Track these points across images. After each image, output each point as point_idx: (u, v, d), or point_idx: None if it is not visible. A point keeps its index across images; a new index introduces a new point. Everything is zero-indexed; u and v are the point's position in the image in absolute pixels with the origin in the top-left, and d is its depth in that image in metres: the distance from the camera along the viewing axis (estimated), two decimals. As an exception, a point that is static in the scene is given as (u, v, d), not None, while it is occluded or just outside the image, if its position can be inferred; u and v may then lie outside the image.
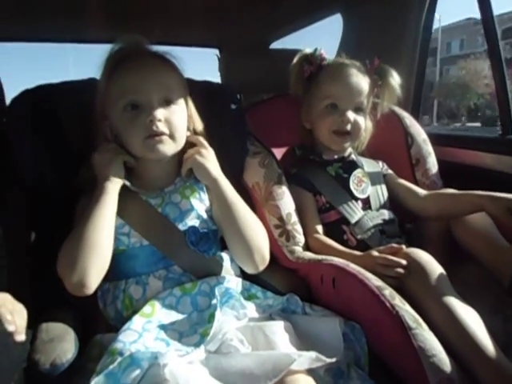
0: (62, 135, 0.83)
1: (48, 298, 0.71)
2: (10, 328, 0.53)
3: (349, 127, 0.98)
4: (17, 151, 0.81)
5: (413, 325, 0.62)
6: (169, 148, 0.78)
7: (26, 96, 0.84)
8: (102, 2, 1.33)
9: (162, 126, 0.75)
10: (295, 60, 1.05)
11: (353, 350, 0.68)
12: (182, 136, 0.80)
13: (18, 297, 0.61)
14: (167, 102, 0.77)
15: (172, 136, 0.77)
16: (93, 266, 0.69)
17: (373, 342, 0.68)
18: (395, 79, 1.02)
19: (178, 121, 0.78)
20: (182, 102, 0.80)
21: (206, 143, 0.82)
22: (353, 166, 1.03)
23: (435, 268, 0.73)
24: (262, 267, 0.80)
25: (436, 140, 1.13)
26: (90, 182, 0.79)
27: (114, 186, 0.75)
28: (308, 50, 1.05)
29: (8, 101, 0.87)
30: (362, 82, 0.99)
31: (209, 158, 0.81)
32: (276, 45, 1.82)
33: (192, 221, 0.82)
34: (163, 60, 0.81)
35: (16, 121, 0.83)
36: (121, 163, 0.78)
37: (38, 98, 0.85)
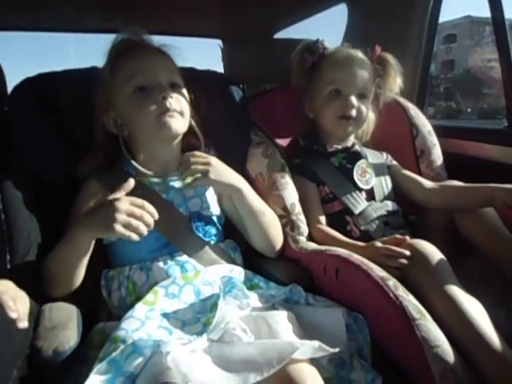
0: (63, 123, 0.83)
1: None
2: (13, 315, 0.53)
3: (353, 112, 0.97)
4: (18, 140, 0.81)
5: (416, 315, 0.62)
6: (180, 124, 0.79)
7: (28, 84, 0.84)
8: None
9: (174, 103, 0.77)
10: (296, 50, 1.05)
11: (356, 340, 0.68)
12: (187, 116, 0.82)
13: (21, 284, 0.61)
14: (173, 85, 0.80)
15: (182, 113, 0.79)
16: (59, 288, 0.70)
17: (376, 333, 0.67)
18: (397, 68, 1.01)
19: (184, 102, 0.80)
20: (183, 89, 0.82)
21: (206, 156, 0.79)
22: (357, 156, 1.02)
23: (439, 259, 0.72)
24: (279, 252, 0.88)
25: (441, 131, 1.12)
26: (91, 173, 0.79)
27: (93, 238, 0.68)
28: (309, 41, 1.04)
29: (10, 89, 0.87)
30: (364, 68, 0.99)
31: (221, 171, 0.78)
32: (280, 35, 1.80)
33: (196, 207, 0.82)
34: (164, 50, 0.83)
35: (17, 109, 0.82)
36: (118, 233, 0.65)
37: (40, 86, 0.84)
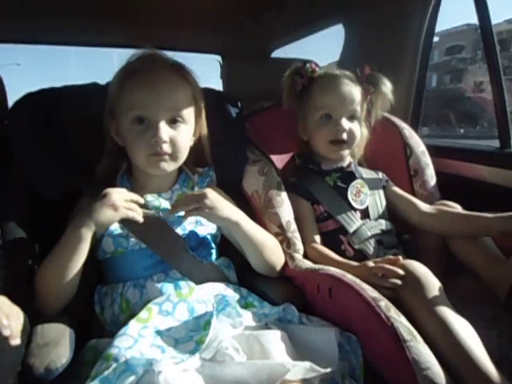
0: (63, 139, 0.84)
1: None
2: (6, 332, 0.53)
3: (344, 136, 0.99)
4: (18, 154, 0.82)
5: (407, 337, 0.63)
6: (169, 166, 0.80)
7: (29, 99, 0.85)
8: (104, 7, 1.35)
9: (166, 148, 0.77)
10: (286, 74, 1.06)
11: (348, 361, 0.68)
12: (183, 154, 0.82)
13: (15, 300, 0.61)
14: (174, 121, 0.79)
15: (174, 155, 0.79)
16: (51, 303, 0.72)
17: (368, 354, 0.68)
18: (387, 86, 1.03)
19: (182, 140, 0.80)
20: (189, 119, 0.82)
21: (200, 192, 0.77)
22: (351, 176, 1.03)
23: (431, 280, 0.73)
24: (280, 272, 0.88)
25: (434, 151, 1.14)
26: (89, 188, 0.79)
27: (91, 233, 0.72)
28: (298, 64, 1.06)
29: (10, 103, 0.88)
30: (353, 90, 1.00)
31: (217, 204, 0.77)
32: (278, 53, 1.84)
33: (191, 225, 0.83)
34: (178, 75, 0.81)
35: (18, 124, 0.83)
36: (117, 219, 0.74)
37: (41, 101, 0.85)
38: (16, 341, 0.55)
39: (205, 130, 0.88)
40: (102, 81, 0.88)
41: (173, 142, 0.78)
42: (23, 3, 1.29)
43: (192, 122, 0.83)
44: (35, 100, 0.85)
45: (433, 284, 0.72)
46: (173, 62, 0.82)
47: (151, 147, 0.77)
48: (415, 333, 0.64)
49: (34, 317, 0.66)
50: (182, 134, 0.80)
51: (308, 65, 1.04)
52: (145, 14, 1.45)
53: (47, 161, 0.82)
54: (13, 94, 0.88)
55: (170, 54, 0.84)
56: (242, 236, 0.82)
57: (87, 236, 0.71)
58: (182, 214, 0.80)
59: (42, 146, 0.82)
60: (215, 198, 0.77)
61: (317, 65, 1.06)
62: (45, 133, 0.82)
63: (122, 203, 0.73)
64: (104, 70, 0.83)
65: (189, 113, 0.81)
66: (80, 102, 0.86)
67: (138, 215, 0.75)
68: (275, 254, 0.87)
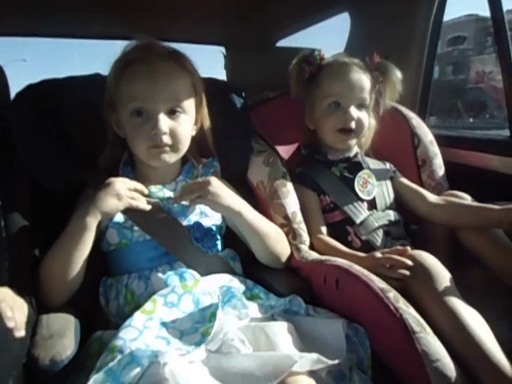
0: (65, 130, 0.83)
1: None
2: (10, 324, 0.53)
3: (353, 125, 0.97)
4: (20, 145, 0.81)
5: (417, 328, 0.61)
6: (170, 157, 0.79)
7: (30, 91, 0.84)
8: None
9: (166, 139, 0.76)
10: (294, 62, 1.04)
11: (356, 352, 0.67)
12: (185, 145, 0.80)
13: (19, 291, 0.60)
14: (174, 112, 0.77)
15: (175, 146, 0.78)
16: (57, 295, 0.71)
17: (376, 345, 0.67)
18: (396, 75, 1.01)
19: (182, 131, 0.78)
20: (189, 109, 0.80)
21: (204, 180, 0.77)
22: (358, 167, 1.02)
23: (440, 271, 0.72)
24: (285, 263, 0.87)
25: (443, 141, 1.12)
26: (92, 179, 0.79)
27: (96, 222, 0.72)
28: (306, 51, 1.04)
29: (12, 95, 0.87)
30: (362, 78, 0.98)
31: (219, 192, 0.76)
32: (283, 42, 1.81)
33: (196, 216, 0.82)
34: (176, 64, 0.79)
35: (19, 115, 0.82)
36: (121, 207, 0.74)
37: (42, 92, 0.84)
38: (20, 332, 0.55)
39: (207, 120, 0.86)
40: (106, 73, 0.86)
41: (173, 133, 0.77)
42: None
43: (192, 112, 0.81)
44: (36, 91, 0.84)
45: (442, 274, 0.71)
46: (169, 50, 0.80)
47: (151, 139, 0.76)
48: (424, 324, 0.63)
49: (39, 308, 0.66)
50: (182, 124, 0.78)
51: (316, 52, 1.02)
52: (148, 5, 1.43)
53: (49, 152, 0.81)
54: (17, 88, 0.88)
55: (174, 45, 0.82)
56: (245, 225, 0.81)
57: (92, 225, 0.71)
58: (186, 203, 0.79)
59: (43, 137, 0.81)
60: (218, 186, 0.77)
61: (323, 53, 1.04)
62: (46, 124, 0.81)
63: (125, 192, 0.73)
64: (108, 62, 0.81)
65: (189, 103, 0.79)
66: (82, 93, 0.85)
67: (142, 204, 0.75)
68: (279, 245, 0.85)
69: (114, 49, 0.81)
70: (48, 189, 0.81)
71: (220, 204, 0.77)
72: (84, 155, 0.81)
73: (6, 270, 0.66)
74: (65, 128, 0.82)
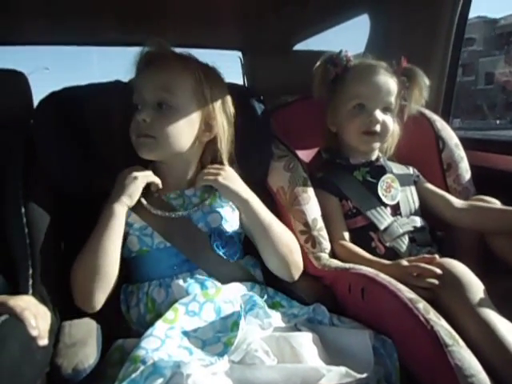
0: (88, 137, 0.84)
1: (71, 301, 0.71)
2: (34, 333, 0.53)
3: (378, 128, 0.94)
4: (43, 152, 0.82)
5: (449, 341, 0.58)
6: (151, 150, 0.78)
7: (53, 98, 0.85)
8: (124, 5, 1.34)
9: (145, 128, 0.76)
10: (319, 62, 1.02)
11: (383, 365, 0.64)
12: (173, 141, 0.77)
13: (42, 299, 0.60)
14: (160, 105, 0.76)
15: (157, 139, 0.76)
16: (95, 289, 0.70)
17: (405, 358, 0.64)
18: (425, 81, 0.98)
19: (168, 125, 0.76)
20: (183, 106, 0.77)
21: (221, 166, 0.82)
22: (381, 171, 0.99)
23: (472, 280, 0.69)
24: (297, 277, 0.82)
25: (469, 144, 1.09)
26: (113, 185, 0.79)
27: (123, 209, 0.75)
28: (332, 52, 1.02)
29: (36, 103, 0.88)
30: (389, 81, 0.96)
31: (232, 179, 0.80)
32: (300, 46, 1.80)
33: (216, 222, 0.81)
34: (178, 63, 0.79)
35: (42, 123, 0.83)
36: (140, 186, 0.77)
37: (65, 100, 0.85)
38: (44, 341, 0.55)
39: (222, 129, 0.83)
40: (125, 79, 0.87)
41: (155, 124, 0.75)
42: (47, 5, 1.31)
43: (191, 114, 0.78)
44: (59, 98, 0.85)
45: (474, 284, 0.68)
46: (177, 53, 0.82)
47: (136, 127, 0.77)
48: (457, 337, 0.60)
49: (61, 315, 0.66)
50: (168, 118, 0.76)
51: (343, 54, 1.00)
52: (164, 11, 1.44)
53: (71, 159, 0.82)
54: (40, 96, 0.90)
55: (191, 51, 0.83)
56: (252, 217, 0.80)
57: (119, 211, 0.74)
58: (206, 210, 0.79)
59: (65, 144, 0.81)
60: (232, 174, 0.81)
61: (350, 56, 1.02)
62: (69, 131, 0.82)
63: (140, 173, 0.78)
64: (126, 68, 0.82)
65: (183, 102, 0.77)
66: (103, 100, 0.86)
67: (157, 179, 0.80)
68: (292, 255, 0.81)
69: (132, 55, 0.82)
70: (71, 196, 0.81)
71: (230, 188, 0.79)
72: (105, 162, 0.81)
73: (30, 278, 0.66)
74: (86, 135, 0.83)
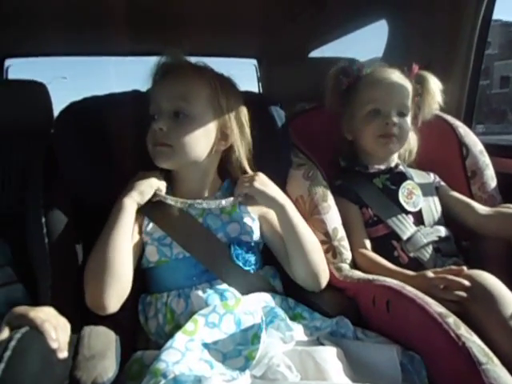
0: (107, 146, 0.83)
1: (90, 312, 0.70)
2: (54, 345, 0.52)
3: (395, 130, 0.93)
4: (63, 162, 0.82)
5: (483, 359, 0.55)
6: (168, 159, 0.78)
7: (73, 108, 0.85)
8: (140, 15, 1.36)
9: (161, 137, 0.76)
10: (330, 73, 1.02)
11: (411, 383, 0.62)
12: (190, 150, 0.77)
13: (62, 310, 0.60)
14: (176, 114, 0.76)
15: (174, 148, 0.76)
16: (109, 289, 0.69)
17: (434, 376, 0.61)
18: (436, 86, 0.97)
19: (184, 134, 0.76)
20: (199, 115, 0.77)
21: (254, 173, 0.82)
22: (401, 177, 0.97)
23: (503, 292, 0.66)
24: (324, 286, 0.81)
25: (494, 150, 1.05)
26: None
27: (133, 204, 0.74)
28: (343, 63, 1.02)
29: (56, 113, 0.89)
30: (403, 85, 0.95)
31: (267, 184, 0.80)
32: (316, 53, 1.79)
33: (235, 232, 0.80)
34: (195, 73, 0.79)
35: (63, 132, 0.83)
36: (153, 185, 0.77)
37: (85, 110, 0.85)
38: (64, 353, 0.54)
39: (238, 138, 0.82)
40: (143, 89, 0.87)
41: (171, 133, 0.75)
42: (63, 17, 1.33)
43: (207, 123, 0.78)
44: (79, 108, 0.85)
45: (506, 296, 0.65)
46: (193, 63, 0.82)
47: (153, 136, 0.77)
48: (491, 354, 0.57)
49: (81, 327, 0.65)
50: (184, 126, 0.76)
51: (356, 66, 1.00)
52: (180, 21, 1.45)
53: (91, 168, 0.82)
54: (60, 105, 0.91)
55: (206, 60, 0.83)
56: (286, 221, 0.79)
57: (128, 206, 0.73)
58: (225, 220, 0.79)
59: (85, 153, 0.81)
60: (266, 179, 0.80)
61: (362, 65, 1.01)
62: (88, 140, 0.82)
63: (150, 173, 0.78)
64: (142, 78, 0.83)
65: (200, 108, 0.77)
66: (121, 110, 0.86)
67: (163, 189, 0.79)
68: (318, 254, 0.81)
69: (147, 63, 0.83)
70: (90, 206, 0.81)
71: (266, 194, 0.78)
72: (124, 171, 0.80)
73: (49, 289, 0.66)
74: (106, 144, 0.83)
